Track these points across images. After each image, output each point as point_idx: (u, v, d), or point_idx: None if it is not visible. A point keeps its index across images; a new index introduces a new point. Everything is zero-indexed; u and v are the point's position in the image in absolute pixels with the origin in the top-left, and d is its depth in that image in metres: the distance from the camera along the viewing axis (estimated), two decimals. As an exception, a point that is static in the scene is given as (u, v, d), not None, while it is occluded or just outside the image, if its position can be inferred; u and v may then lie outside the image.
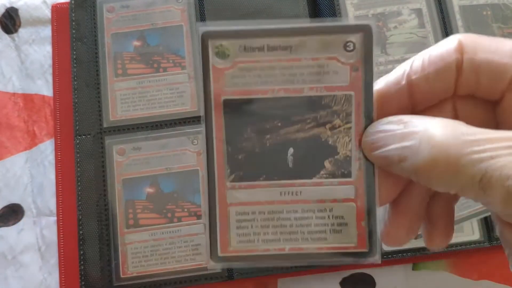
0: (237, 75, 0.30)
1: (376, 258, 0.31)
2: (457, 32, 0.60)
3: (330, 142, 0.31)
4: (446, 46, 0.29)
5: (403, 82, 0.30)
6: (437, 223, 0.32)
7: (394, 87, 0.30)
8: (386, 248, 0.56)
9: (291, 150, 0.30)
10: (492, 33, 0.60)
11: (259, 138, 0.30)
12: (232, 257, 0.31)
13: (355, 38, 0.29)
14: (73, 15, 0.63)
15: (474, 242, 0.57)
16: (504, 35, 0.61)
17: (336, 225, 0.31)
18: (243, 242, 0.31)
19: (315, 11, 0.63)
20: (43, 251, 0.60)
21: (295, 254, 0.31)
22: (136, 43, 0.62)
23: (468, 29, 0.61)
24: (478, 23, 0.61)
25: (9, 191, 0.61)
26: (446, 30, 0.61)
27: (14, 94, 0.64)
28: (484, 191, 0.25)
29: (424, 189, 0.32)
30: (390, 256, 0.56)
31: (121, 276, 0.56)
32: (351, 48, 0.30)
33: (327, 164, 0.31)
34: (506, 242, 0.29)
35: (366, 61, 0.30)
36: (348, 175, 0.31)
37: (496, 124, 0.30)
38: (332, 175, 0.31)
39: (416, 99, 0.30)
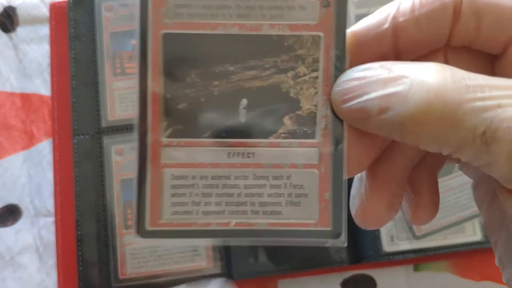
0: (182, 4, 0.24)
1: (341, 240, 0.24)
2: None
3: (291, 94, 0.24)
4: None
5: (386, 25, 0.24)
6: (422, 193, 0.27)
7: (374, 30, 0.24)
8: (387, 248, 0.54)
9: (244, 102, 0.24)
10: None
11: (205, 85, 0.24)
12: (164, 232, 0.24)
13: None
14: (71, 13, 0.60)
15: (476, 243, 0.55)
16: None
17: (294, 196, 0.24)
18: (179, 213, 0.24)
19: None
20: (41, 252, 0.57)
21: (242, 231, 0.24)
22: (135, 42, 0.59)
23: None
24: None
25: (7, 192, 0.59)
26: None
27: (12, 93, 0.62)
28: (487, 147, 0.20)
29: (408, 154, 0.26)
30: (391, 257, 0.54)
31: (120, 277, 0.54)
32: None
33: (287, 120, 0.24)
34: (510, 219, 0.23)
35: None
36: (312, 135, 0.24)
37: None
38: (292, 134, 0.24)
39: (401, 47, 0.24)
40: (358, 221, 0.26)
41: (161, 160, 0.24)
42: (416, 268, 0.56)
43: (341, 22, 0.24)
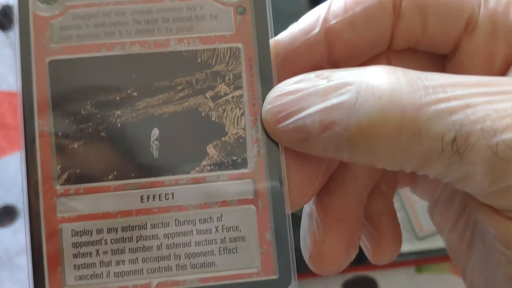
0: (70, 26, 0.20)
1: None
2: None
3: (213, 118, 0.20)
4: None
5: (317, 29, 0.20)
6: (381, 226, 0.23)
7: (304, 37, 0.21)
8: None
9: (155, 132, 0.20)
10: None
11: (104, 116, 0.20)
12: None
13: None
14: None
15: (479, 244, 0.51)
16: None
17: (228, 241, 0.20)
18: (85, 278, 0.19)
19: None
20: (39, 253, 0.55)
21: None
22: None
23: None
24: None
25: (4, 192, 0.57)
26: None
27: (9, 93, 0.59)
28: (460, 157, 0.17)
29: (360, 179, 0.22)
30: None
31: None
32: None
33: (211, 150, 0.20)
34: (493, 242, 0.19)
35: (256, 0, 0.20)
36: (243, 164, 0.20)
37: None
38: (219, 166, 0.20)
39: (337, 54, 0.21)
40: (313, 267, 0.22)
41: (57, 214, 0.19)
42: (418, 270, 0.54)
43: (262, 30, 0.20)
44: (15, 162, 0.58)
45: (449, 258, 0.50)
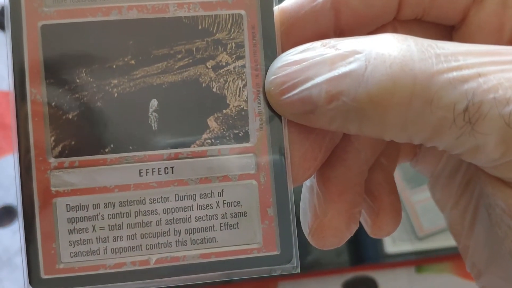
0: None
1: (293, 265, 0.19)
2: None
3: (214, 89, 0.19)
4: None
5: None
6: (381, 199, 0.22)
7: (309, 4, 0.20)
8: (389, 250, 0.51)
9: (154, 103, 0.19)
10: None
11: (100, 85, 0.18)
12: (64, 280, 0.18)
13: None
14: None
15: (479, 244, 0.51)
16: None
17: (229, 217, 0.19)
18: (81, 254, 0.19)
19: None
20: (39, 253, 0.54)
21: (166, 268, 0.19)
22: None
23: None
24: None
25: (4, 192, 0.56)
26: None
27: (8, 93, 0.59)
28: (472, 127, 0.16)
29: (362, 153, 0.21)
30: (392, 258, 0.52)
31: None
32: None
33: (212, 122, 0.19)
34: (500, 215, 0.19)
35: None
36: (245, 138, 0.19)
37: None
38: (220, 139, 0.19)
39: (343, 23, 0.20)
40: (313, 240, 0.21)
41: (51, 188, 0.18)
42: (418, 270, 0.54)
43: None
44: (14, 162, 0.58)
45: (449, 258, 0.52)
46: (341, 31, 0.20)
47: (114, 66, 0.18)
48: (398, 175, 0.50)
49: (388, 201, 0.23)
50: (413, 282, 0.54)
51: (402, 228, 0.52)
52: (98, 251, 0.18)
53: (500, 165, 0.17)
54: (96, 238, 0.18)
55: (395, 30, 0.21)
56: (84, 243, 0.18)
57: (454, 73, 0.16)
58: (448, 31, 0.21)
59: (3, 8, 0.58)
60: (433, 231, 0.51)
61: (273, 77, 0.19)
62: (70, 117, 0.18)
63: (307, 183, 0.22)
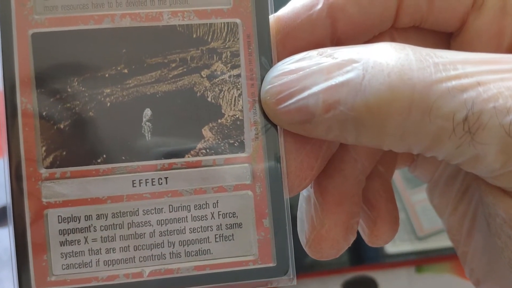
0: None
1: (289, 277, 0.19)
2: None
3: (209, 99, 0.19)
4: None
5: (320, 5, 0.19)
6: (378, 207, 0.22)
7: (305, 13, 0.19)
8: (389, 250, 0.50)
9: (147, 113, 0.19)
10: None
11: (92, 94, 0.18)
12: None
13: None
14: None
15: (479, 244, 0.51)
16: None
17: (224, 228, 0.19)
18: (74, 266, 0.18)
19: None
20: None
21: (160, 281, 0.18)
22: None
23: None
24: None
25: (3, 192, 0.56)
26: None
27: None
28: (472, 137, 0.16)
29: (359, 162, 0.21)
30: (392, 258, 0.51)
31: None
32: None
33: (206, 132, 0.19)
34: (500, 225, 0.18)
35: None
36: (240, 148, 0.19)
37: None
38: (215, 149, 0.19)
39: (340, 32, 0.20)
40: (310, 251, 0.21)
41: (42, 199, 0.18)
42: (418, 270, 0.54)
43: (261, 5, 0.19)
44: None
45: (449, 258, 0.51)
46: (338, 40, 0.20)
47: (107, 75, 0.18)
48: (398, 175, 0.50)
49: (386, 210, 0.22)
50: (413, 282, 0.54)
51: (402, 228, 0.52)
52: (90, 263, 0.18)
53: (501, 175, 0.17)
54: (89, 250, 0.18)
55: (392, 39, 0.21)
56: (76, 255, 0.18)
57: (453, 82, 0.16)
58: (446, 38, 0.21)
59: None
60: (433, 231, 0.51)
61: (269, 86, 0.18)
62: (62, 127, 0.18)
63: (304, 193, 0.22)
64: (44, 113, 0.18)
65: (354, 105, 0.16)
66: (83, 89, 0.18)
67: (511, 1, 0.19)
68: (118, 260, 0.18)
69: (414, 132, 0.16)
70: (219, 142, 0.19)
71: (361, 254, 0.51)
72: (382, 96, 0.16)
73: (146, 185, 0.18)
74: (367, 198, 0.22)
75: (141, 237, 0.18)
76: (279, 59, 0.19)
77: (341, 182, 0.21)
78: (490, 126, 0.16)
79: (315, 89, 0.17)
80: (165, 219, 0.18)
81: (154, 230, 0.18)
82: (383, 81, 0.16)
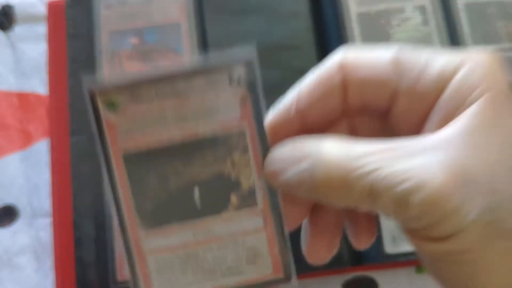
0: (131, 128, 0.28)
1: (292, 283, 0.30)
2: (462, 31, 0.57)
3: (232, 177, 0.29)
4: (329, 69, 0.28)
5: (292, 112, 0.29)
6: (359, 223, 0.31)
7: (284, 117, 0.29)
8: (389, 250, 0.52)
9: (196, 190, 0.29)
10: (495, 31, 0.57)
11: (163, 184, 0.29)
12: None
13: (239, 72, 0.28)
14: (69, 12, 0.57)
15: (480, 244, 0.51)
16: (508, 32, 0.56)
17: (250, 257, 0.30)
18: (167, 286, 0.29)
19: (316, 8, 0.57)
20: (39, 253, 0.55)
21: None
22: (134, 40, 0.57)
23: (472, 27, 0.57)
24: (483, 20, 0.57)
25: (4, 192, 0.56)
26: (451, 28, 0.57)
27: (9, 92, 0.59)
28: (374, 203, 0.24)
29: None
30: (393, 258, 0.52)
31: (118, 279, 0.52)
32: (236, 82, 0.28)
33: (233, 198, 0.29)
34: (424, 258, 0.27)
35: (252, 93, 0.28)
36: (254, 205, 0.29)
37: (392, 131, 0.29)
38: (239, 208, 0.29)
39: (308, 124, 0.29)
40: (307, 259, 0.32)
41: (143, 249, 0.29)
42: (418, 270, 0.54)
43: (258, 114, 0.28)
44: (14, 162, 0.57)
45: None
46: (307, 128, 0.29)
47: (170, 171, 0.29)
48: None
49: (365, 225, 0.31)
50: (413, 282, 0.54)
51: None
52: (176, 284, 0.30)
53: (402, 222, 0.25)
54: (174, 278, 0.29)
55: (348, 118, 0.30)
56: (167, 280, 0.29)
57: (362, 170, 0.24)
58: (385, 115, 0.29)
59: (3, 8, 0.61)
60: (433, 231, 0.51)
61: (268, 168, 0.29)
62: (148, 205, 0.29)
63: (304, 222, 0.32)
64: (136, 199, 0.29)
65: (310, 185, 0.26)
66: (157, 181, 0.29)
67: (416, 98, 0.27)
68: (191, 282, 0.30)
69: (344, 200, 0.25)
70: (241, 203, 0.29)
71: (361, 254, 0.51)
72: (323, 181, 0.25)
73: (201, 235, 0.29)
74: (352, 216, 0.31)
75: (203, 266, 0.29)
76: (271, 145, 0.28)
77: (323, 216, 0.31)
78: (384, 197, 0.24)
79: (290, 172, 0.27)
80: (215, 255, 0.30)
81: (210, 262, 0.29)
82: (323, 172, 0.25)
